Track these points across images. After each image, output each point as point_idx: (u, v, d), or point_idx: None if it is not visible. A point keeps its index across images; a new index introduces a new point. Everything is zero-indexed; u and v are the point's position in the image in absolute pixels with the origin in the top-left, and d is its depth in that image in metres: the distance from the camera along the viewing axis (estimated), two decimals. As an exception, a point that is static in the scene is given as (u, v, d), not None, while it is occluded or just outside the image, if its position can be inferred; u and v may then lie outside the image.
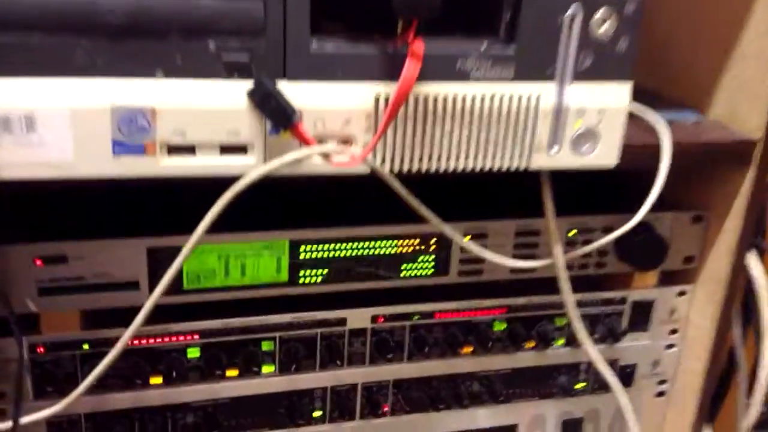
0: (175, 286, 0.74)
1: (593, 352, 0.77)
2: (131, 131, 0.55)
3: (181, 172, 0.57)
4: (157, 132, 0.55)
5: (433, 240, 0.80)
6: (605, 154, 0.65)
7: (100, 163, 0.55)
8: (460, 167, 0.63)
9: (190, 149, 0.57)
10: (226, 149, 0.57)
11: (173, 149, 0.57)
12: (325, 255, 0.77)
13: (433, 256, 0.80)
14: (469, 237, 0.80)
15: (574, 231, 0.82)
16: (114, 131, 0.55)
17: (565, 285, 0.72)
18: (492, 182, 0.91)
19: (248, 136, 0.57)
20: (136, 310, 0.73)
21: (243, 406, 0.79)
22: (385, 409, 0.84)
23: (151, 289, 0.72)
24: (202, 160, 0.57)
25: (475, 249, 0.70)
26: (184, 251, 0.58)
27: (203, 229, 0.57)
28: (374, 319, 0.80)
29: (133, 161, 0.56)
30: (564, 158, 0.64)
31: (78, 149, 0.55)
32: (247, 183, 0.56)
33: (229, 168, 0.58)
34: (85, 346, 0.72)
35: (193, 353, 0.76)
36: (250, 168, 0.57)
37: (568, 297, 0.72)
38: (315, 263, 0.77)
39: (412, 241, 0.79)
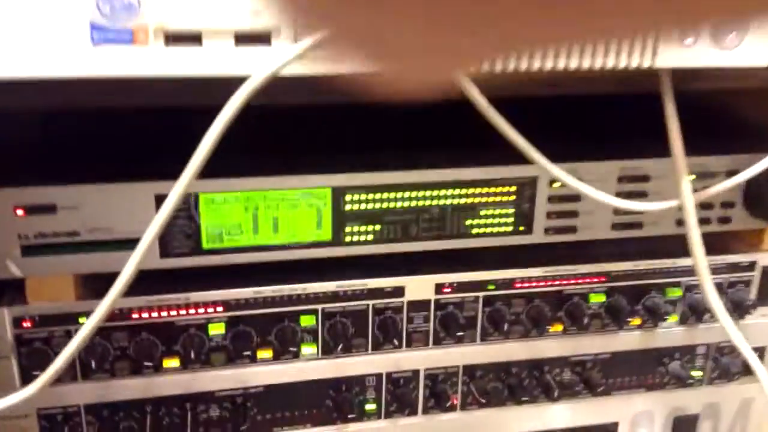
0: (192, 246, 0.59)
1: (733, 330, 0.59)
2: (115, 12, 0.40)
3: (182, 70, 0.42)
4: (149, 13, 0.41)
5: (513, 188, 0.63)
6: (755, 50, 0.48)
7: (74, 56, 0.41)
8: (567, 65, 0.46)
9: (194, 38, 0.42)
10: (242, 38, 0.42)
11: (172, 37, 0.42)
12: (378, 206, 0.61)
13: (512, 209, 0.64)
14: (559, 184, 0.64)
15: (692, 177, 0.65)
16: (93, 12, 0.40)
17: (695, 234, 0.54)
18: (585, 114, 0.74)
19: (273, 17, 0.42)
20: (146, 274, 0.59)
21: (278, 396, 0.64)
22: (454, 402, 0.68)
23: (162, 247, 0.58)
24: (210, 52, 0.42)
25: (587, 190, 0.53)
26: (177, 188, 0.43)
27: (205, 155, 0.42)
28: (439, 288, 0.64)
29: (119, 54, 0.41)
30: (701, 53, 0.47)
31: (45, 38, 0.40)
32: (264, 79, 0.41)
33: (247, 64, 0.42)
34: (82, 320, 0.58)
35: (217, 330, 0.61)
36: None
37: (699, 255, 0.55)
38: (365, 217, 0.61)
39: (486, 188, 0.63)
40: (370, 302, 0.64)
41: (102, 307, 0.46)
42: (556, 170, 0.52)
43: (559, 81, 0.51)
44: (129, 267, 0.45)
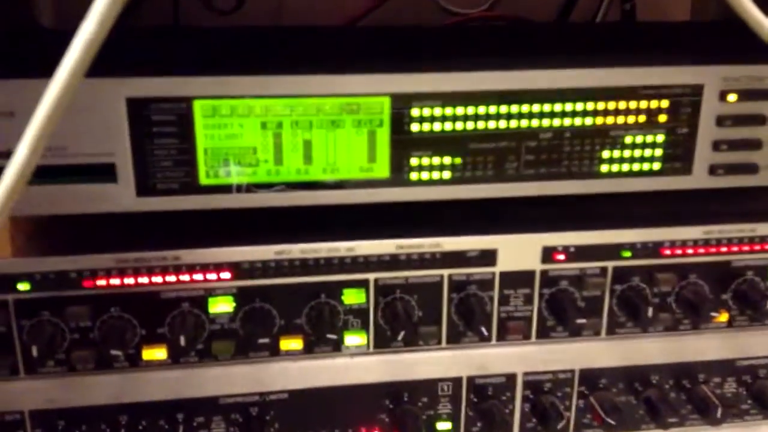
0: (185, 180, 0.40)
1: None
2: None
3: None
4: None
5: (665, 102, 0.42)
6: None
7: None
8: None
9: None
10: None
11: None
12: (460, 127, 0.41)
13: (663, 136, 0.43)
14: (735, 96, 0.42)
15: None
16: None
17: None
18: None
19: None
20: (117, 220, 0.40)
21: (310, 407, 0.45)
22: (567, 421, 0.47)
23: (140, 179, 0.39)
24: None
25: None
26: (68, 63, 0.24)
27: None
28: (548, 254, 0.44)
29: None
30: None
31: None
32: None
33: None
34: (23, 287, 0.40)
35: (221, 306, 0.42)
36: None
37: None
38: (441, 143, 0.41)
39: (624, 102, 0.42)
40: (446, 272, 0.43)
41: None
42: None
43: None
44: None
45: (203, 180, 0.40)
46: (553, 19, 0.82)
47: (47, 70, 0.37)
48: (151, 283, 0.41)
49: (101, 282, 0.40)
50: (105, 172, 0.39)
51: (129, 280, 0.41)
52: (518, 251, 0.44)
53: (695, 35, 0.55)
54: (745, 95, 0.42)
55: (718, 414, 0.46)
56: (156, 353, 0.42)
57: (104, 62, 0.33)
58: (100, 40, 0.26)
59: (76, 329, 0.41)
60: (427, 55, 0.44)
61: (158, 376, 0.43)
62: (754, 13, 0.34)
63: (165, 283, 0.41)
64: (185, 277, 0.41)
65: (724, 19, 0.78)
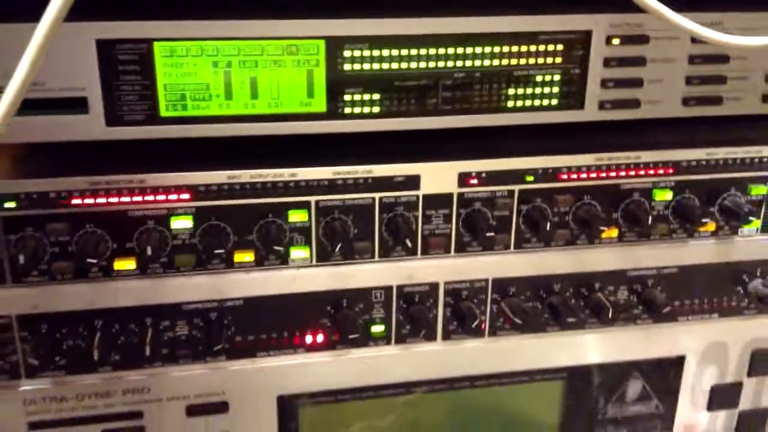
0: (148, 113, 0.46)
1: None
2: None
3: None
4: None
5: (560, 46, 0.49)
6: None
7: None
8: None
9: None
10: None
11: None
12: (388, 67, 0.48)
13: (558, 75, 0.50)
14: (618, 41, 0.50)
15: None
16: None
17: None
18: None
19: None
20: (88, 147, 0.46)
21: (262, 313, 0.52)
22: (482, 325, 0.55)
23: (109, 111, 0.45)
24: None
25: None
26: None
27: None
28: (464, 179, 0.51)
29: None
30: None
31: None
32: None
33: None
34: (10, 205, 0.46)
35: (182, 223, 0.48)
36: None
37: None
38: (370, 81, 0.48)
39: (525, 46, 0.49)
40: (377, 195, 0.50)
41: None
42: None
43: None
44: None
45: (163, 112, 0.47)
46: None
47: (33, 17, 0.43)
48: (120, 203, 0.47)
49: (77, 201, 0.46)
50: (78, 105, 0.45)
51: (101, 200, 0.47)
52: (438, 176, 0.51)
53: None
54: (628, 40, 0.50)
55: (608, 319, 0.54)
56: (126, 265, 0.49)
57: (77, 8, 0.40)
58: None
59: (56, 243, 0.47)
60: (358, 3, 0.51)
61: (128, 284, 0.49)
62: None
63: (132, 203, 0.47)
64: (150, 198, 0.47)
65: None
